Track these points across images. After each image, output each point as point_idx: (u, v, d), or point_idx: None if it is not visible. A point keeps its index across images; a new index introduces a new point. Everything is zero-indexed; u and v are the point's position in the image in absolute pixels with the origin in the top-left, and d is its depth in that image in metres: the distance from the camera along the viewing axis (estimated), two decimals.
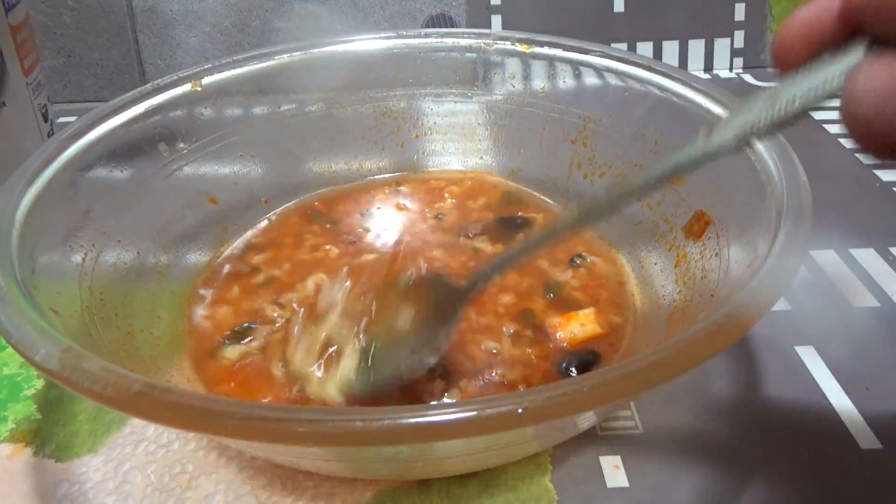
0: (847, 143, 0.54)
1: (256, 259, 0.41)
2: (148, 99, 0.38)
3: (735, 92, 0.36)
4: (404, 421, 0.20)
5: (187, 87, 0.40)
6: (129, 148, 0.37)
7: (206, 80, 0.41)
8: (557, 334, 0.34)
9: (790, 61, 0.21)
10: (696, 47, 0.66)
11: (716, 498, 0.29)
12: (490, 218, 0.43)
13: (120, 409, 0.21)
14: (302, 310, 0.34)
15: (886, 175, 0.50)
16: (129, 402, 0.21)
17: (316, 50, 0.44)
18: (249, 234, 0.43)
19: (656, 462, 0.30)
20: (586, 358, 0.33)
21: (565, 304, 0.36)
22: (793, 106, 0.21)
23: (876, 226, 0.45)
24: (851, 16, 0.20)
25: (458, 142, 0.48)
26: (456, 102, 0.47)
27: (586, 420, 0.28)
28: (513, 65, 0.45)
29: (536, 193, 0.45)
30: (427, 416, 0.20)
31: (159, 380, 0.29)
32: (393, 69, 0.46)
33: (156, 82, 0.39)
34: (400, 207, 0.45)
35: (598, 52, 0.42)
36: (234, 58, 0.42)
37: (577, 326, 0.35)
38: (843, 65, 0.20)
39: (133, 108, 0.37)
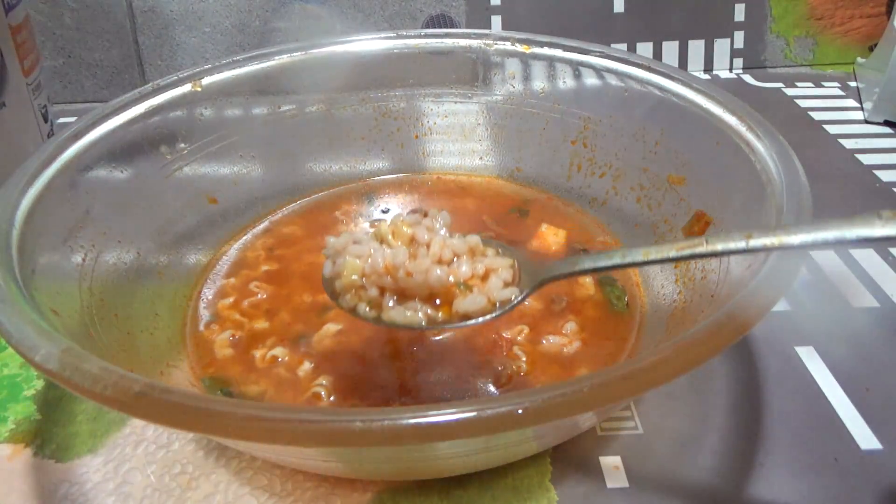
0: (847, 144, 0.54)
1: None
2: (148, 99, 0.38)
3: (735, 92, 0.36)
4: (404, 421, 0.20)
5: (187, 87, 0.40)
6: (129, 148, 0.37)
7: (206, 81, 0.41)
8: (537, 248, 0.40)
9: None
10: (696, 48, 0.66)
11: (716, 498, 0.29)
12: None
13: (120, 410, 0.21)
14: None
15: (886, 175, 0.50)
16: (129, 402, 0.21)
17: (316, 50, 0.44)
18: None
19: (656, 462, 0.30)
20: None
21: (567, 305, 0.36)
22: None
23: None
24: None
25: (458, 142, 0.48)
26: (456, 103, 0.47)
27: (586, 420, 0.28)
28: (513, 65, 0.45)
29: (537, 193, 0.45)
30: (427, 416, 0.20)
31: (159, 380, 0.29)
32: (393, 69, 0.46)
33: (156, 82, 0.39)
34: None
35: (598, 52, 0.42)
36: (234, 58, 0.42)
37: (550, 237, 0.41)
38: None
39: (133, 108, 0.37)
